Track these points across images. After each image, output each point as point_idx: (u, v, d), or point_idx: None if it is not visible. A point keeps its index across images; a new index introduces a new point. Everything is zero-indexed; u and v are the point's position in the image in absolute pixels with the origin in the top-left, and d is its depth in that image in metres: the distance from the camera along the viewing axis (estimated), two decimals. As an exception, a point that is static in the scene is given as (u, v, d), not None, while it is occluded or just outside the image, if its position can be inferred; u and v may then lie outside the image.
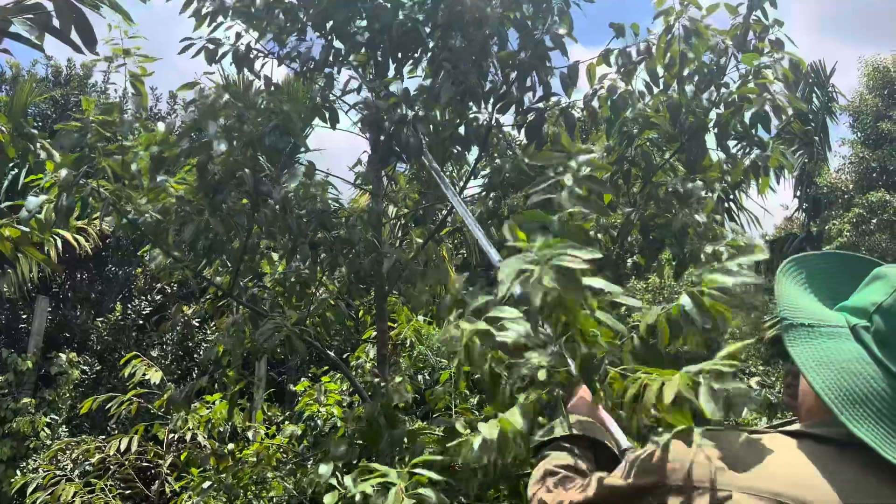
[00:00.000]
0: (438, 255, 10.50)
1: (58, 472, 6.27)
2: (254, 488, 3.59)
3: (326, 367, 4.37)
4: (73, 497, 5.83)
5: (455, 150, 3.36)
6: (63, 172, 3.17)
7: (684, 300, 1.65)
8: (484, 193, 3.50)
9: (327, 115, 3.40)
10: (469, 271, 18.37)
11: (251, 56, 3.50)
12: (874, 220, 16.39)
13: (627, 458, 1.34)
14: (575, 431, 1.60)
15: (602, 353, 1.54)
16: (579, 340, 1.50)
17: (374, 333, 3.61)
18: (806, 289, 1.32)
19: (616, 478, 1.32)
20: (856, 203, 16.80)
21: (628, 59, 3.03)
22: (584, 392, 1.72)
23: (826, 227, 17.47)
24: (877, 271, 1.25)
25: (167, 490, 6.73)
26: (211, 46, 3.48)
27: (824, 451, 1.12)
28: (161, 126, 3.13)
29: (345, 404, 4.18)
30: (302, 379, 6.95)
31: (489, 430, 1.64)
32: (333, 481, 2.39)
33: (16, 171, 12.47)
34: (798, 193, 19.20)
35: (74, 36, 2.71)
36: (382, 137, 3.00)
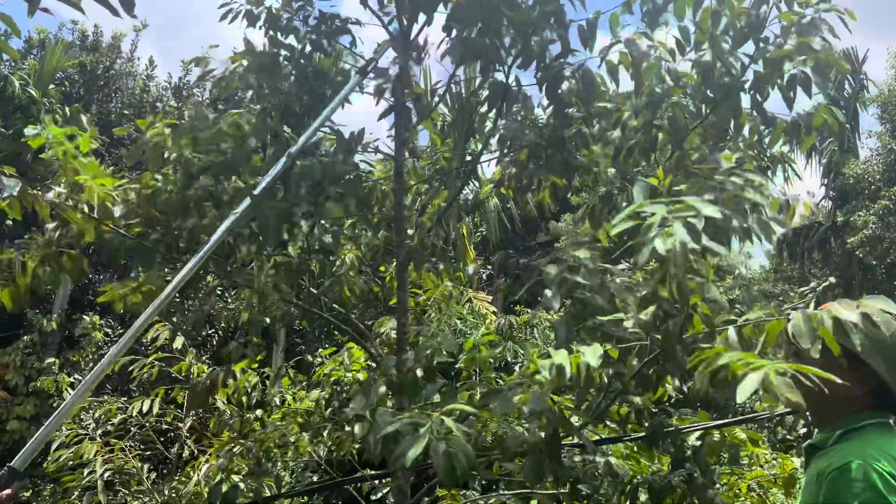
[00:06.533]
0: (458, 232, 10.48)
1: (80, 432, 6.39)
2: (276, 451, 3.64)
3: (346, 337, 4.40)
4: (94, 456, 5.96)
5: (479, 113, 3.31)
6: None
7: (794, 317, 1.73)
8: (507, 159, 3.43)
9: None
10: (488, 248, 18.35)
11: (279, 19, 3.47)
12: (901, 213, 16.15)
13: None
14: None
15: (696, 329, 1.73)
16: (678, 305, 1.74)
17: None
18: None
19: None
20: (882, 195, 16.53)
21: (653, 5, 2.86)
22: None
23: (851, 218, 17.23)
24: None
25: (186, 453, 6.85)
26: (255, 10, 3.45)
27: None
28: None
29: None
30: (320, 349, 6.99)
31: (562, 357, 1.79)
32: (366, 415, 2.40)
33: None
34: (825, 182, 18.94)
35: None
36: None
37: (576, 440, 2.76)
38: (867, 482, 1.55)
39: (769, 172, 3.33)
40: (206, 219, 3.05)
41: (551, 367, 1.82)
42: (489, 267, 16.73)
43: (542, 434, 2.19)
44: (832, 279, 16.24)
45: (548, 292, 2.12)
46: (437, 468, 1.89)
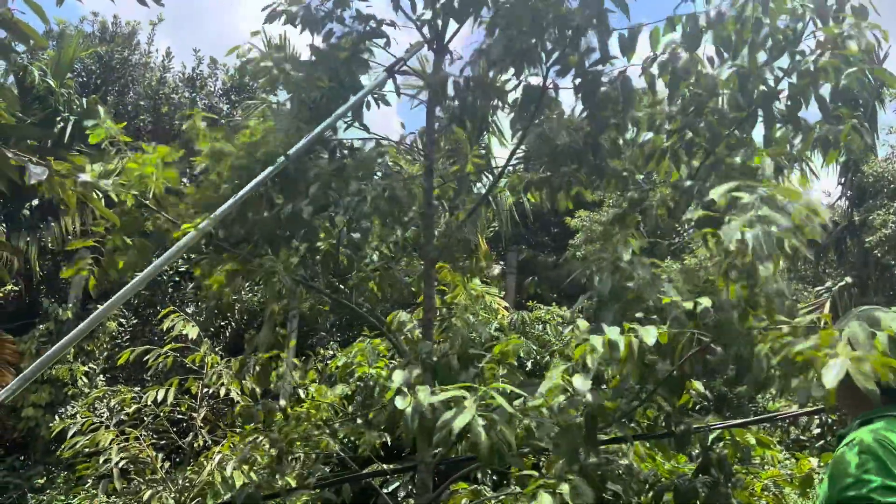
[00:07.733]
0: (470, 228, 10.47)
1: (95, 420, 6.44)
2: (299, 444, 3.66)
3: (377, 332, 4.39)
4: (110, 444, 6.01)
5: (497, 114, 3.34)
6: None
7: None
8: (530, 161, 3.45)
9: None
10: (501, 244, 18.32)
11: (314, 17, 3.49)
12: (921, 213, 15.94)
13: None
14: None
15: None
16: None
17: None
18: None
19: None
20: (902, 194, 16.33)
21: (695, 26, 2.87)
22: None
23: (869, 218, 17.02)
24: None
25: (199, 443, 6.89)
26: (281, 8, 3.52)
27: None
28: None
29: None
30: (331, 341, 6.99)
31: (615, 334, 1.90)
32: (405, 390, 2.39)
33: (68, 121, 12.65)
34: (843, 181, 18.71)
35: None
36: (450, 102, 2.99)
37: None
38: (869, 452, 1.63)
39: (785, 171, 3.33)
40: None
41: (604, 342, 1.84)
42: (502, 262, 16.68)
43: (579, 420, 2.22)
44: (848, 279, 16.08)
45: (597, 280, 2.15)
46: (477, 445, 1.89)
